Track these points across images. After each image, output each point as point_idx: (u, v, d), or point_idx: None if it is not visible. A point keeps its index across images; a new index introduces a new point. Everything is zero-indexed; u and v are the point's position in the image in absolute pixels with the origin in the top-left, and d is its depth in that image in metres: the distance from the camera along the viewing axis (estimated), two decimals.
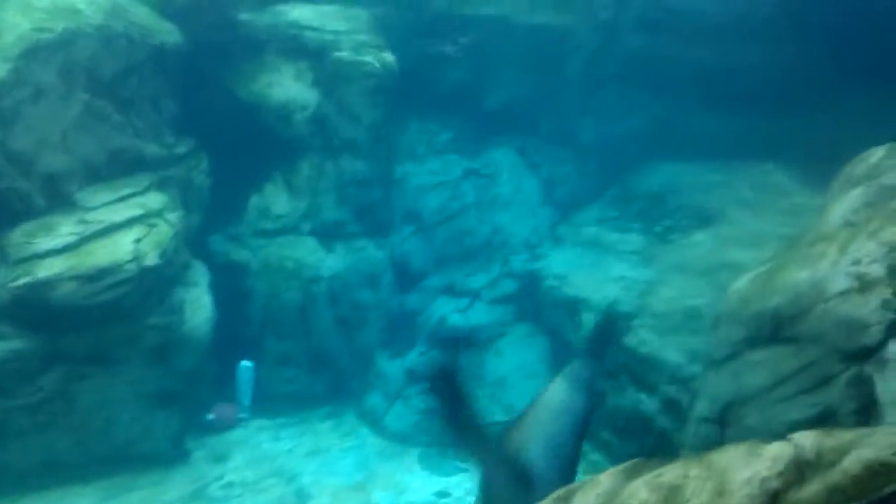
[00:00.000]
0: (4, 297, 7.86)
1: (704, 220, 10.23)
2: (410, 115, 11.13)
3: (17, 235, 8.25)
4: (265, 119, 10.09)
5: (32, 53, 8.38)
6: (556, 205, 11.48)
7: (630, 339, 8.47)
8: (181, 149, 9.78)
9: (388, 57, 10.30)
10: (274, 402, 9.90)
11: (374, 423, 9.58)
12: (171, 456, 8.82)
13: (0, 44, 8.33)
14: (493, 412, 9.09)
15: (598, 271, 9.61)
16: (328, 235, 10.17)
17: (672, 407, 7.79)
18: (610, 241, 10.35)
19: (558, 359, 9.40)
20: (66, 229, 8.38)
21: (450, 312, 9.99)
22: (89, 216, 8.59)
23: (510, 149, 11.53)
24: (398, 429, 9.35)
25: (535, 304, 10.02)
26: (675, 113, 12.00)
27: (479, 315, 9.96)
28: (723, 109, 12.00)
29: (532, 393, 9.37)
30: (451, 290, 10.35)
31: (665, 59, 12.28)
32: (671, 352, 8.05)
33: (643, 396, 8.21)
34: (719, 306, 6.24)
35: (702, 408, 6.09)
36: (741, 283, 5.98)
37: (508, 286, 10.31)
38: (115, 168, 9.16)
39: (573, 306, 9.31)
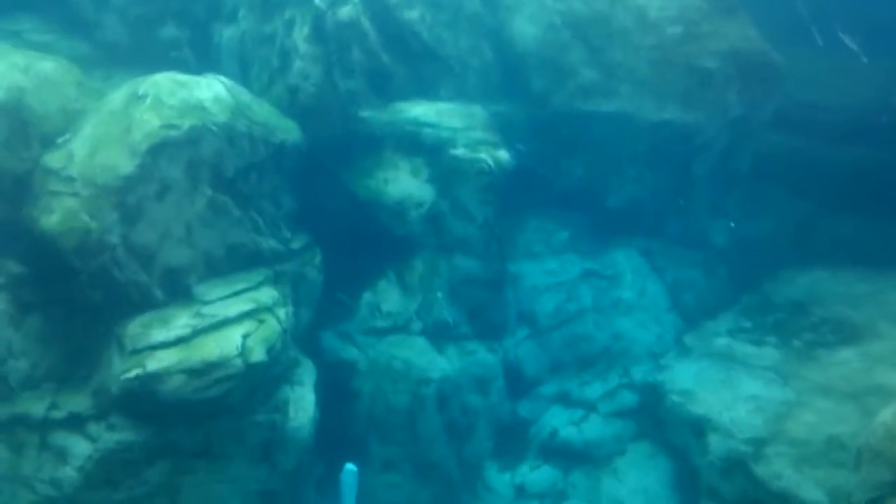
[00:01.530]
0: (118, 389, 8.23)
1: (851, 334, 9.58)
2: (529, 213, 11.23)
3: (134, 327, 8.66)
4: (380, 215, 10.36)
5: (160, 150, 8.95)
6: (683, 312, 11.07)
7: (762, 470, 7.93)
8: (296, 244, 10.12)
9: (503, 155, 10.47)
10: None
11: None
12: None
13: (129, 140, 8.92)
14: None
15: (729, 388, 9.09)
16: (439, 336, 10.21)
17: None
18: (743, 355, 9.82)
19: (684, 484, 8.93)
20: (181, 322, 8.73)
21: (563, 424, 9.71)
22: (205, 310, 8.92)
23: (633, 250, 11.35)
24: None
25: (656, 420, 9.55)
26: (817, 215, 11.57)
27: (595, 429, 9.61)
28: (869, 212, 11.48)
29: None
30: (565, 399, 10.06)
31: (804, 156, 11.96)
32: (810, 488, 7.51)
33: None
34: (864, 439, 5.76)
35: None
36: (888, 414, 5.49)
37: (628, 399, 9.92)
38: (233, 262, 9.54)
39: (699, 426, 8.82)
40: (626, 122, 11.46)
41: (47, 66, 9.43)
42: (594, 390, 10.09)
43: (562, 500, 9.21)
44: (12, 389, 8.47)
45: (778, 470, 7.82)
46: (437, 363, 9.95)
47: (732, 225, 11.79)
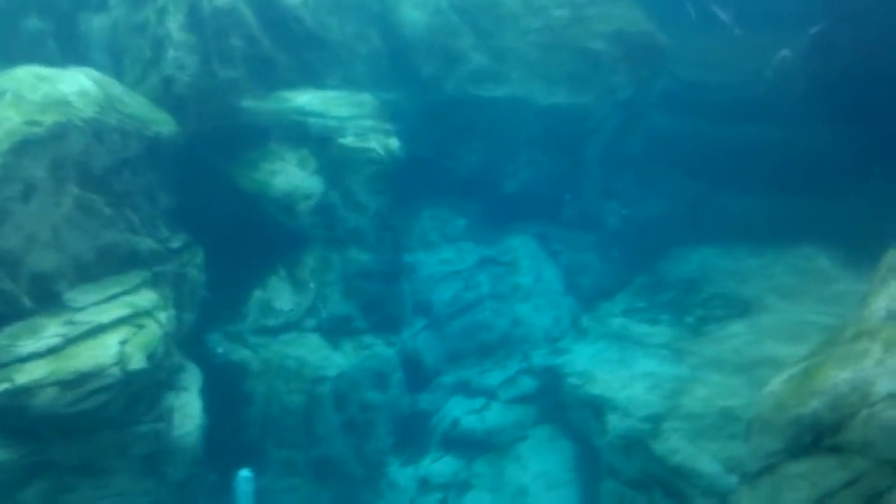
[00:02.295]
0: None
1: (741, 309, 10.10)
2: (423, 202, 11.31)
3: (1, 338, 8.25)
4: (267, 209, 10.22)
5: (22, 149, 8.57)
6: (579, 294, 11.44)
7: (660, 446, 8.23)
8: (176, 243, 9.88)
9: (393, 143, 10.52)
10: None
11: None
12: None
13: None
14: None
15: (626, 367, 9.46)
16: (334, 332, 10.17)
17: None
18: (638, 334, 10.22)
19: (585, 465, 9.16)
20: (51, 331, 8.38)
21: (464, 413, 9.84)
22: (77, 317, 8.61)
23: (529, 235, 11.60)
24: None
25: (557, 404, 9.83)
26: (706, 194, 12.06)
27: (496, 416, 9.79)
28: (757, 190, 12.04)
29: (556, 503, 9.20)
30: (465, 389, 10.22)
31: (692, 136, 12.43)
32: (706, 460, 7.81)
33: None
34: (754, 410, 6.05)
35: None
36: (776, 384, 5.81)
37: (528, 384, 10.14)
38: (106, 265, 9.22)
39: (598, 407, 9.10)
40: (517, 107, 11.70)
41: None
42: (494, 377, 10.28)
43: (466, 490, 9.34)
44: None
45: (674, 445, 8.17)
46: (332, 360, 9.93)
47: (624, 212, 12.14)
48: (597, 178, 12.22)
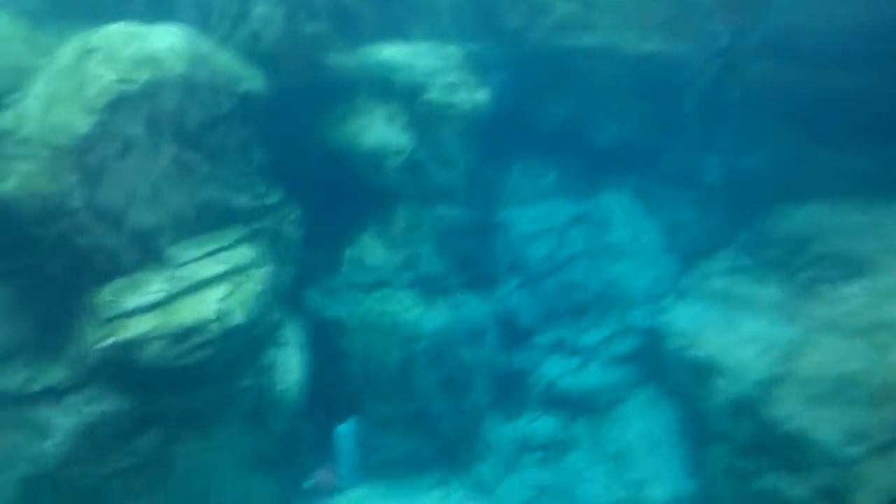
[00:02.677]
0: (94, 358, 8.02)
1: (855, 269, 9.51)
2: (513, 157, 11.05)
3: (105, 294, 8.48)
4: (356, 166, 10.16)
5: (117, 105, 8.66)
6: (678, 253, 11.01)
7: (773, 412, 7.92)
8: (271, 199, 9.93)
9: (481, 96, 10.29)
10: (376, 468, 9.88)
11: (486, 496, 9.36)
12: None
13: (83, 97, 8.60)
14: (614, 490, 8.69)
15: (732, 329, 9.09)
16: (427, 289, 10.13)
17: (830, 496, 7.19)
18: (744, 294, 9.78)
19: (691, 429, 8.94)
20: (155, 286, 8.58)
21: (561, 373, 9.70)
22: (178, 272, 8.78)
23: (624, 190, 11.24)
24: None
25: (658, 365, 9.57)
26: (810, 146, 11.46)
27: (594, 377, 9.62)
28: (863, 141, 11.40)
29: (660, 467, 9.03)
30: (561, 348, 10.07)
31: (795, 85, 11.80)
32: (824, 429, 7.45)
33: (791, 482, 7.64)
34: (881, 377, 5.69)
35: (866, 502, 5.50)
36: None
37: (626, 344, 9.91)
38: (205, 221, 9.36)
39: (703, 370, 8.82)
40: (608, 57, 11.25)
41: None
42: (591, 337, 10.09)
43: (565, 451, 9.23)
44: None
45: (789, 411, 7.86)
46: (426, 317, 9.92)
47: (724, 166, 11.62)
48: (694, 131, 11.72)
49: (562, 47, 11.13)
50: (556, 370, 9.78)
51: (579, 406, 9.47)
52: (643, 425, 9.22)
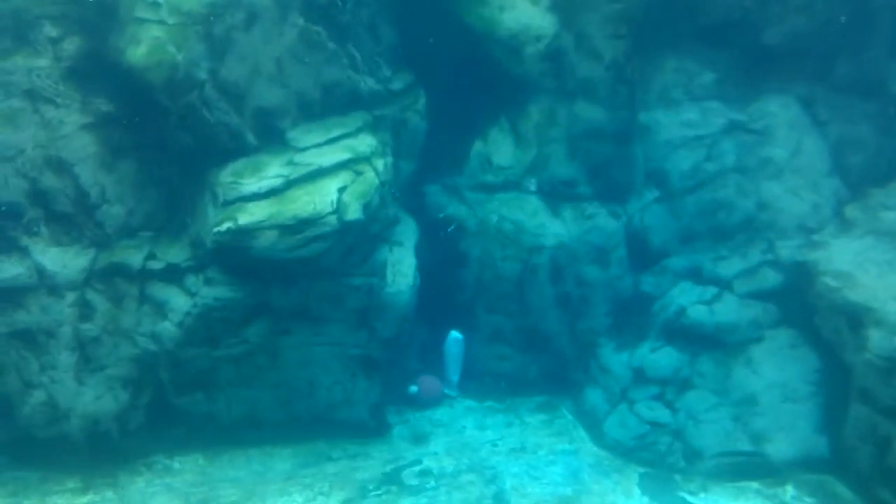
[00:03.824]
0: (210, 242, 8.08)
1: None
2: (667, 52, 9.91)
3: (226, 174, 8.44)
4: (493, 51, 9.42)
5: None
6: (847, 177, 9.71)
7: None
8: (397, 84, 9.53)
9: None
10: (483, 381, 9.79)
11: (593, 426, 9.07)
12: (370, 427, 9.04)
13: None
14: (736, 439, 8.06)
15: None
16: (555, 196, 9.58)
17: None
18: None
19: (830, 381, 8.08)
20: (273, 171, 8.44)
21: (692, 303, 8.97)
22: (298, 157, 8.64)
23: (791, 98, 9.90)
24: (620, 439, 8.74)
25: (803, 306, 8.67)
26: None
27: (729, 310, 8.84)
28: None
29: (791, 421, 8.30)
30: (696, 275, 9.28)
31: None
32: None
33: None
34: None
35: None
36: None
37: (770, 278, 8.99)
38: (328, 104, 9.11)
39: (857, 317, 7.91)
40: None
41: None
42: (731, 266, 9.19)
43: (686, 389, 8.67)
44: (109, 237, 8.58)
45: None
46: (550, 227, 9.39)
47: None
48: (885, 32, 10.07)
49: None
50: (686, 299, 9.04)
51: (707, 341, 8.77)
52: (777, 372, 8.47)
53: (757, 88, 10.06)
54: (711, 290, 9.03)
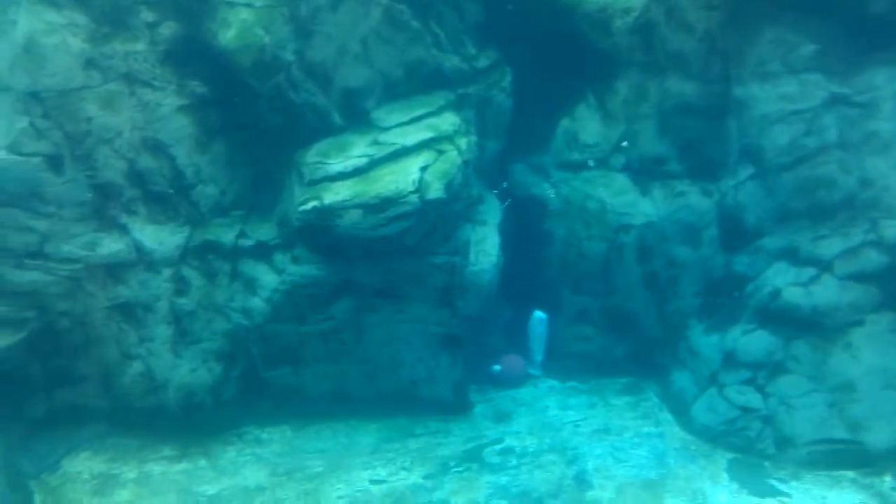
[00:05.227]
0: (297, 221, 8.24)
1: None
2: (763, 21, 9.43)
3: (312, 154, 8.69)
4: (580, 26, 9.28)
5: None
6: None
7: None
8: (482, 62, 9.55)
9: None
10: (567, 361, 9.75)
11: (680, 409, 8.97)
12: (452, 404, 9.20)
13: None
14: (831, 426, 7.68)
15: None
16: (644, 173, 9.45)
17: None
18: None
19: None
20: (358, 150, 8.61)
21: (788, 285, 8.65)
22: (382, 137, 8.84)
23: None
24: (708, 423, 8.60)
25: None
26: None
27: (828, 293, 8.48)
28: None
29: (892, 408, 7.84)
30: (792, 256, 8.93)
31: None
32: None
33: None
34: None
35: None
36: None
37: (873, 259, 8.56)
38: (412, 83, 9.25)
39: None
40: None
41: None
42: (831, 247, 8.77)
43: (779, 374, 8.37)
44: (203, 215, 8.92)
45: None
46: (638, 206, 9.29)
47: None
48: None
49: None
50: (781, 280, 8.73)
51: (803, 325, 8.44)
52: (878, 357, 8.12)
53: (861, 60, 9.51)
54: (809, 272, 8.67)
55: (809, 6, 9.80)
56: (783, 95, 9.35)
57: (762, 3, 9.63)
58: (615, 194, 9.29)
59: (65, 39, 8.08)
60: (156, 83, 8.45)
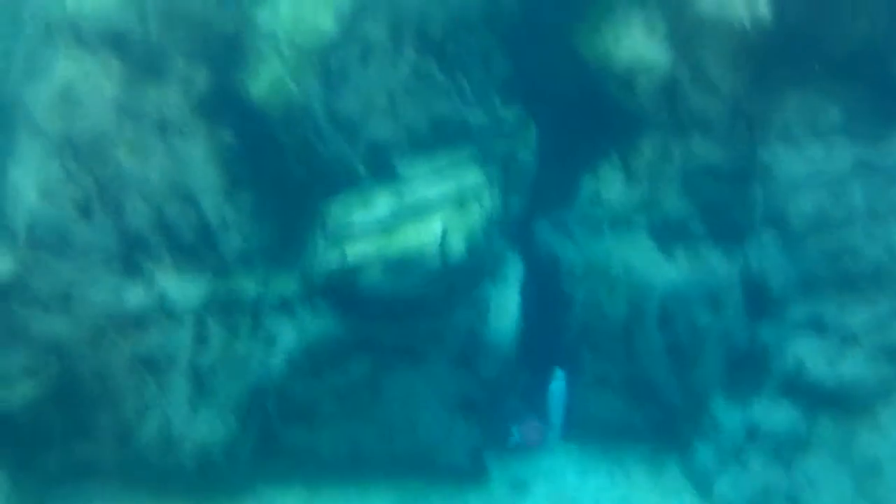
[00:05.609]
0: (319, 276, 8.21)
1: None
2: (788, 85, 9.45)
3: (337, 207, 8.63)
4: (606, 84, 9.27)
5: (362, 6, 8.35)
6: None
7: None
8: (508, 117, 9.54)
9: (762, 7, 8.84)
10: (586, 427, 9.61)
11: (703, 485, 8.82)
12: (468, 471, 9.06)
13: None
14: None
15: None
16: (667, 235, 9.38)
17: None
18: None
19: None
20: (381, 204, 8.53)
21: (813, 356, 8.55)
22: (406, 192, 8.74)
23: None
24: (731, 499, 8.45)
25: None
26: None
27: (855, 366, 8.42)
28: None
29: None
30: (818, 326, 8.89)
31: None
32: None
33: None
34: None
35: None
36: None
37: None
38: (438, 137, 9.19)
39: None
40: None
41: None
42: (858, 318, 8.75)
43: (803, 450, 8.26)
44: (227, 266, 8.83)
45: None
46: (661, 269, 9.25)
47: None
48: None
49: None
50: (807, 351, 8.65)
51: (829, 399, 8.39)
52: None
53: (889, 125, 9.49)
54: (835, 343, 8.61)
55: (834, 70, 9.79)
56: (809, 160, 9.33)
57: (787, 67, 9.65)
58: (638, 256, 9.20)
59: (99, 85, 8.08)
60: (186, 131, 8.43)
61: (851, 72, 9.90)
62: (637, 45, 9.18)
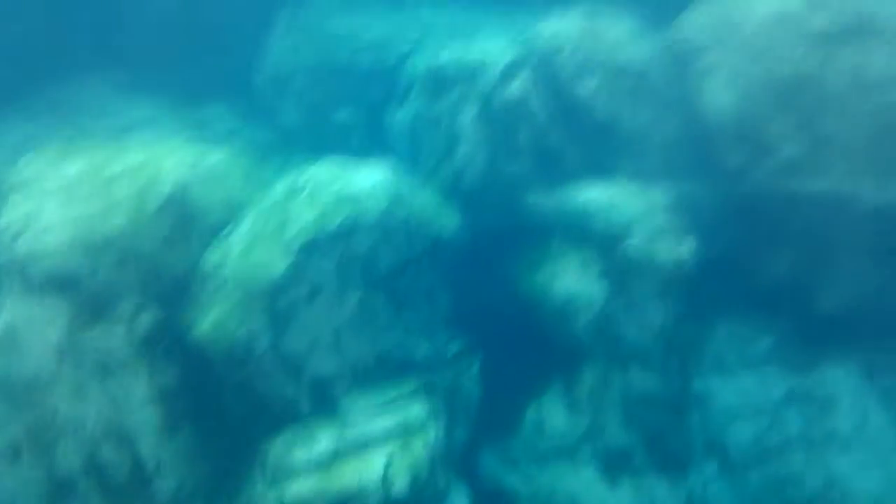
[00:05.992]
0: None
1: None
2: (719, 316, 9.95)
3: (278, 444, 8.50)
4: (544, 318, 9.69)
5: (312, 247, 8.73)
6: None
7: None
8: (452, 350, 9.81)
9: (687, 246, 9.53)
10: None
11: None
12: None
13: (283, 237, 8.78)
14: None
15: None
16: (611, 466, 9.32)
17: None
18: None
19: None
20: (324, 441, 8.45)
21: None
22: (349, 427, 8.74)
23: (851, 366, 9.62)
24: None
25: None
26: None
27: None
28: None
29: None
30: None
31: None
32: None
33: None
34: None
35: None
36: None
37: None
38: (382, 371, 9.36)
39: None
40: (840, 205, 9.84)
41: (215, 158, 9.67)
42: None
43: None
44: None
45: None
46: (608, 502, 8.67)
47: None
48: None
49: (786, 191, 9.88)
50: None
51: None
52: None
53: (817, 355, 9.92)
54: None
55: (764, 303, 10.31)
56: (742, 390, 9.70)
57: (715, 299, 10.17)
58: (584, 487, 9.11)
59: (42, 330, 8.14)
60: (127, 372, 8.40)
61: (778, 301, 10.47)
62: (573, 281, 9.63)
